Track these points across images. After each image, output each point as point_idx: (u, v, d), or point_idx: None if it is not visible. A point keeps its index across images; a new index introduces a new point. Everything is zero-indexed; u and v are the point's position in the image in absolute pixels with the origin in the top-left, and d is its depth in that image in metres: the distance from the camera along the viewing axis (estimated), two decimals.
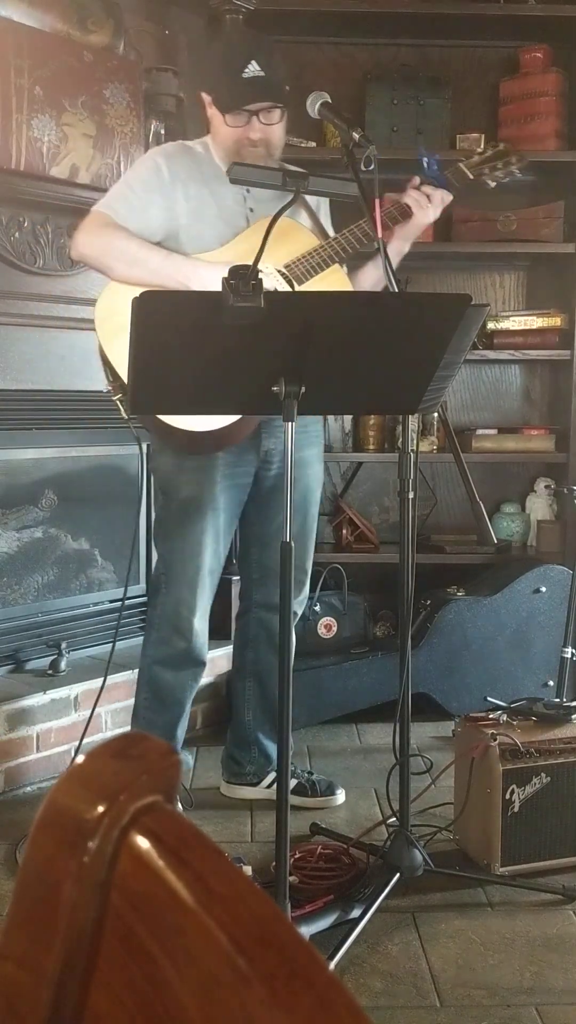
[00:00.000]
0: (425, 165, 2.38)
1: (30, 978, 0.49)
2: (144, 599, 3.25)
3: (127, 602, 3.11)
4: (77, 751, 2.60)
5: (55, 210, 2.78)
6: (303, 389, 1.79)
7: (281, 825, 1.82)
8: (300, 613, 2.69)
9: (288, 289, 2.26)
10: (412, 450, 2.15)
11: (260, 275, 2.21)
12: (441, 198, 2.35)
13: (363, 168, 2.08)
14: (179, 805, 2.53)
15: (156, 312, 1.70)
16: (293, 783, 2.63)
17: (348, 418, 3.63)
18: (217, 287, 1.70)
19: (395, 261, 2.40)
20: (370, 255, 2.37)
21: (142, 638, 3.23)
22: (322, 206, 2.47)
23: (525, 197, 3.61)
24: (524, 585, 3.30)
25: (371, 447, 3.65)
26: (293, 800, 2.59)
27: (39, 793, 2.70)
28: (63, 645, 2.90)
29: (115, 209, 2.27)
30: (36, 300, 2.80)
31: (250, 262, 2.22)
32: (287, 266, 2.27)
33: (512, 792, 2.26)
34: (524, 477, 3.86)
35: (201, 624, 2.46)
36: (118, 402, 2.22)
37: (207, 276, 2.15)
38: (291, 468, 1.83)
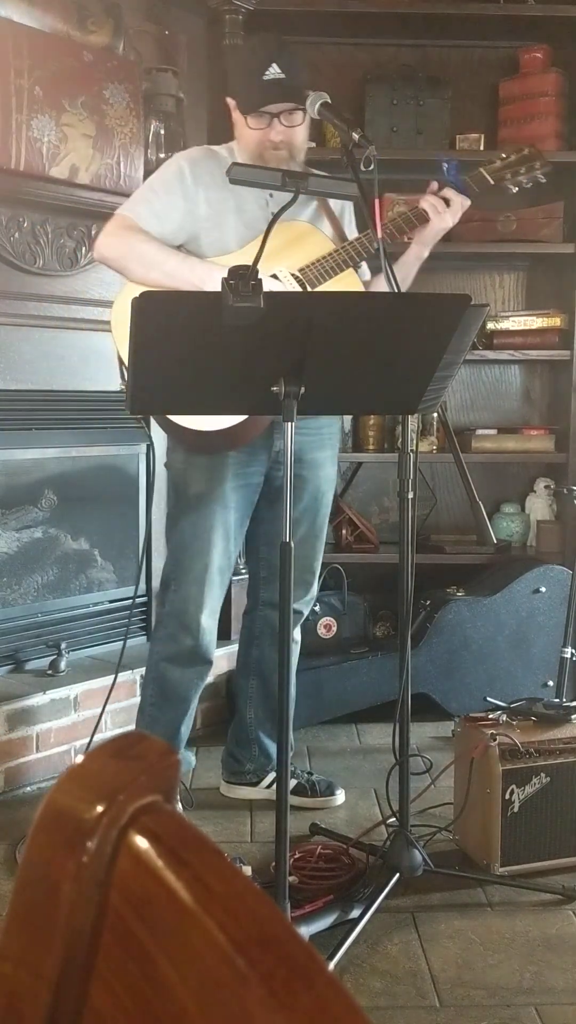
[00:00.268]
0: (444, 170, 2.36)
1: (29, 978, 0.49)
2: (144, 599, 3.25)
3: (126, 602, 3.11)
4: (87, 749, 2.59)
5: (55, 210, 2.78)
6: (303, 389, 1.79)
7: (281, 825, 1.82)
8: (306, 613, 2.69)
9: (308, 290, 2.27)
10: (412, 450, 2.15)
11: (275, 278, 2.24)
12: (460, 203, 2.34)
13: (363, 168, 2.08)
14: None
15: (156, 312, 1.71)
16: (293, 783, 2.63)
17: (348, 418, 3.63)
18: None
19: (414, 267, 2.41)
20: (395, 256, 2.38)
21: (142, 638, 3.25)
22: (346, 212, 2.48)
23: (525, 197, 3.59)
24: (524, 585, 3.30)
25: (371, 447, 3.65)
26: (293, 800, 2.59)
27: (39, 793, 2.70)
28: (63, 645, 2.90)
29: (138, 212, 2.30)
30: (36, 300, 2.80)
31: (268, 263, 2.24)
32: (301, 270, 2.29)
33: (512, 792, 2.26)
34: (524, 477, 3.86)
35: (209, 622, 2.46)
36: None
37: (220, 278, 2.16)
38: (291, 467, 1.83)
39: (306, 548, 2.51)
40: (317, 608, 3.33)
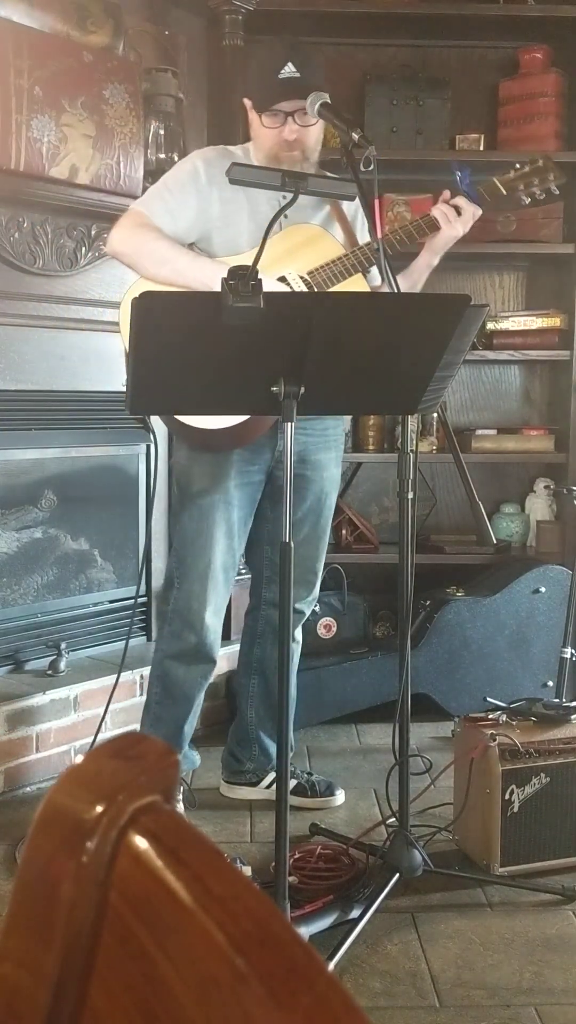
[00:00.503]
0: (457, 178, 2.36)
1: (29, 978, 0.49)
2: (144, 599, 3.25)
3: (126, 602, 3.11)
4: (92, 747, 2.59)
5: (55, 210, 2.78)
6: (302, 389, 1.79)
7: (280, 825, 1.82)
8: (308, 613, 2.70)
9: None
10: (412, 450, 2.15)
11: (283, 281, 2.24)
12: (472, 213, 2.34)
13: (362, 168, 2.08)
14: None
15: (155, 312, 1.71)
16: (292, 783, 2.63)
17: (348, 418, 3.62)
18: None
19: (424, 274, 2.42)
20: (414, 253, 2.40)
21: (142, 638, 3.25)
22: (358, 217, 2.48)
23: None
24: (523, 585, 3.30)
25: (371, 447, 3.65)
26: (292, 800, 2.59)
27: (38, 793, 2.70)
28: (63, 645, 2.90)
29: (152, 209, 2.32)
30: (36, 300, 2.80)
31: (277, 266, 2.24)
32: (310, 273, 2.29)
33: (511, 792, 2.26)
34: (523, 477, 3.86)
35: (213, 620, 2.46)
36: None
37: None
38: (290, 467, 1.83)
39: (309, 549, 2.51)
40: (317, 608, 3.32)
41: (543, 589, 3.30)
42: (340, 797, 2.69)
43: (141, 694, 2.97)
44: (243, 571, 3.34)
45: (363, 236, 2.48)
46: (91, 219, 2.83)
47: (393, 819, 2.24)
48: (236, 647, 2.81)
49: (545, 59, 3.53)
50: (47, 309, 2.83)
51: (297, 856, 2.25)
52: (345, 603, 3.43)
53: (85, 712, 2.80)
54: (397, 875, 2.12)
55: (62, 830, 0.48)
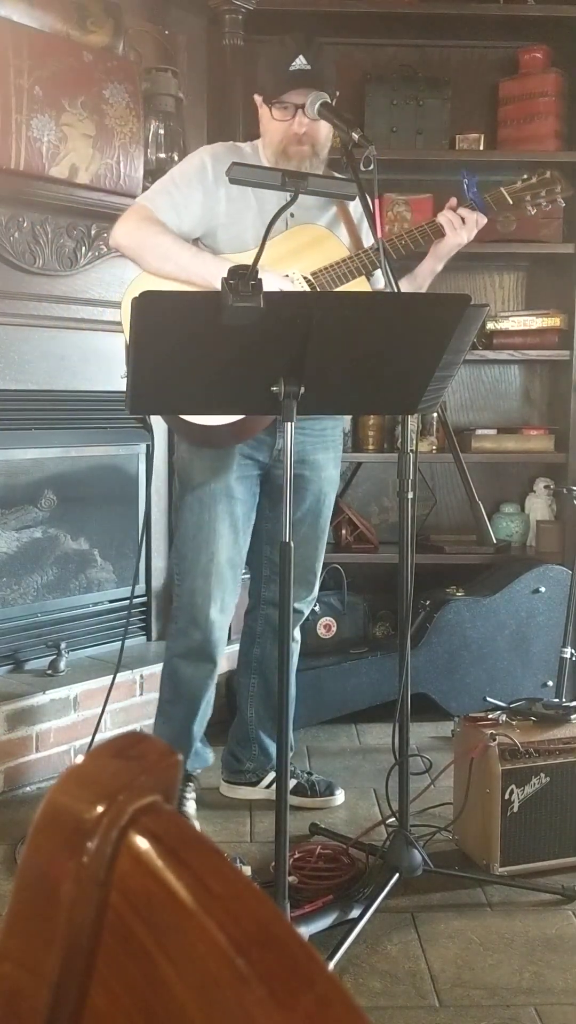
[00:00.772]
0: (465, 186, 2.37)
1: (29, 978, 0.49)
2: (144, 599, 3.25)
3: (126, 602, 3.11)
4: (89, 749, 2.59)
5: (55, 210, 2.78)
6: (303, 389, 1.79)
7: (280, 825, 1.82)
8: (307, 613, 2.69)
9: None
10: (411, 450, 2.15)
11: (286, 281, 2.24)
12: (476, 221, 2.35)
13: (362, 168, 2.08)
14: (192, 804, 2.51)
15: (155, 312, 1.70)
16: (292, 783, 2.62)
17: (348, 418, 3.62)
18: None
19: (428, 279, 2.42)
20: (418, 257, 2.41)
21: (142, 638, 3.25)
22: (364, 220, 2.48)
23: None
24: (523, 585, 3.31)
25: (371, 447, 3.65)
26: (292, 800, 2.58)
27: (38, 793, 2.70)
28: (62, 645, 2.90)
29: (157, 203, 2.32)
30: (36, 300, 2.80)
31: (281, 266, 2.24)
32: (314, 273, 2.29)
33: (511, 792, 2.26)
34: (523, 477, 3.86)
35: (219, 616, 2.44)
36: None
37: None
38: (290, 467, 1.83)
39: (308, 549, 2.51)
40: (317, 608, 3.33)
41: (543, 589, 3.30)
42: (340, 797, 2.69)
43: (141, 694, 2.97)
44: (243, 570, 3.34)
45: (368, 238, 2.48)
46: (91, 219, 2.83)
47: (393, 819, 2.24)
48: (236, 647, 2.81)
49: (545, 59, 3.53)
50: (47, 309, 2.83)
51: (297, 856, 2.25)
52: (345, 603, 3.43)
53: (85, 712, 2.80)
54: (397, 875, 2.12)
55: (63, 830, 0.48)
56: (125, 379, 2.22)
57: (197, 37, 3.27)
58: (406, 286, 2.39)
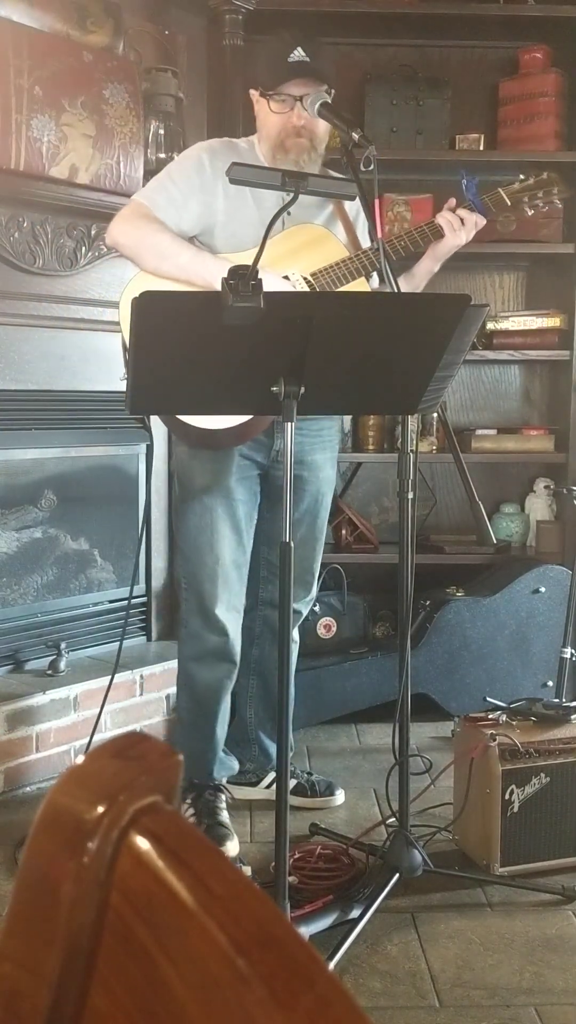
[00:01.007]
0: (464, 186, 2.37)
1: (30, 979, 0.49)
2: (144, 599, 3.25)
3: (126, 602, 3.11)
4: (87, 749, 2.59)
5: (55, 210, 2.78)
6: (303, 389, 1.79)
7: (280, 825, 1.82)
8: (305, 613, 2.68)
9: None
10: (412, 450, 2.15)
11: (287, 281, 2.23)
12: (475, 222, 2.35)
13: (362, 168, 2.08)
14: (225, 814, 2.47)
15: (156, 312, 1.70)
16: (292, 783, 2.62)
17: (348, 418, 3.63)
18: None
19: (424, 280, 2.42)
20: (417, 257, 2.40)
21: (141, 638, 3.25)
22: (360, 219, 2.48)
23: None
24: (523, 585, 3.31)
25: (371, 447, 3.65)
26: (292, 800, 2.57)
27: (39, 793, 2.70)
28: (63, 645, 2.90)
29: (154, 201, 2.29)
30: (36, 300, 2.80)
31: (280, 266, 2.23)
32: (313, 274, 2.28)
33: (511, 792, 2.26)
34: (523, 477, 3.86)
35: (229, 617, 2.42)
36: None
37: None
38: (290, 467, 1.83)
39: (306, 549, 2.50)
40: (317, 608, 3.33)
41: (543, 589, 3.30)
42: (340, 797, 2.69)
43: (141, 694, 2.97)
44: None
45: (364, 236, 2.48)
46: (91, 219, 2.83)
47: (393, 819, 2.24)
48: None
49: (545, 59, 3.53)
50: (47, 309, 2.83)
51: (297, 856, 2.25)
52: (345, 603, 3.43)
53: (85, 712, 2.80)
54: (397, 875, 2.12)
55: (63, 830, 0.48)
56: (125, 381, 2.22)
57: (197, 37, 3.27)
58: (403, 285, 2.38)
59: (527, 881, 2.24)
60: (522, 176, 2.46)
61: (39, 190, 2.70)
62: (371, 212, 2.14)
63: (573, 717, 2.36)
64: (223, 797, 2.51)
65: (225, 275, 2.14)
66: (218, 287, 2.16)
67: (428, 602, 3.33)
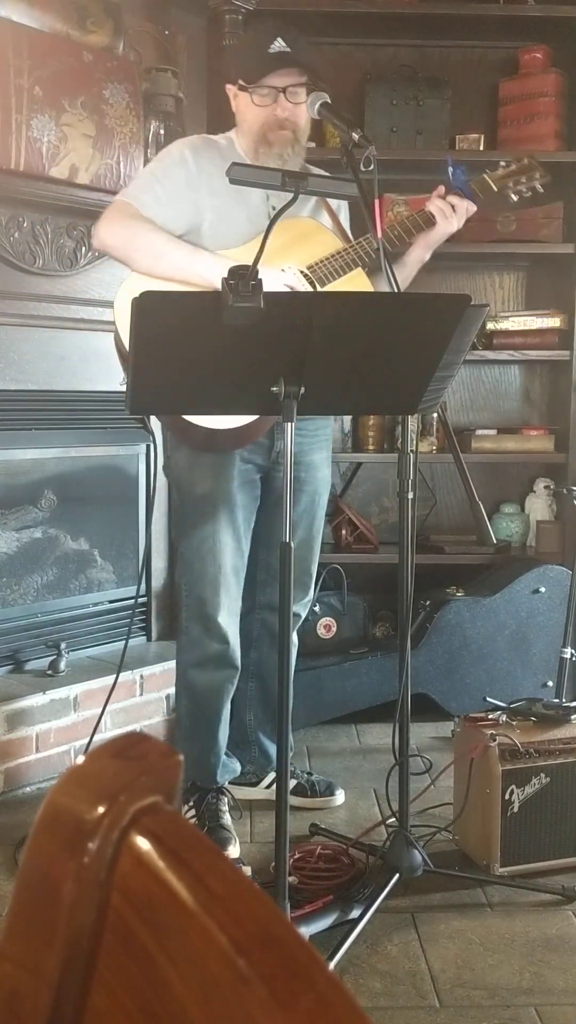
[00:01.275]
0: (451, 174, 2.37)
1: (30, 979, 0.49)
2: (144, 599, 3.25)
3: (126, 602, 3.11)
4: (87, 750, 2.59)
5: (55, 210, 2.78)
6: (303, 389, 1.79)
7: (280, 825, 1.82)
8: (304, 616, 2.67)
9: (310, 290, 2.26)
10: (412, 450, 2.15)
11: (283, 274, 2.23)
12: (466, 208, 2.35)
13: (362, 168, 2.07)
14: (228, 817, 2.47)
15: (156, 312, 1.70)
16: (292, 783, 2.62)
17: (348, 418, 3.63)
18: None
19: (415, 268, 2.41)
20: (394, 258, 2.38)
21: (142, 638, 3.25)
22: (342, 208, 2.47)
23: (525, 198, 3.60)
24: (523, 585, 3.31)
25: (371, 447, 3.65)
26: (292, 800, 2.57)
27: (38, 794, 2.70)
28: (62, 645, 2.90)
29: (141, 200, 2.24)
30: (35, 300, 2.80)
31: (275, 261, 2.23)
32: (310, 267, 2.27)
33: (511, 792, 2.26)
34: (523, 477, 3.86)
35: (230, 623, 2.41)
36: None
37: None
38: (290, 467, 1.83)
39: (304, 550, 2.50)
40: (317, 608, 3.33)
41: (543, 589, 3.30)
42: (340, 797, 2.69)
43: (141, 694, 2.97)
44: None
45: (347, 225, 2.48)
46: (91, 219, 2.81)
47: (393, 819, 2.24)
48: None
49: (545, 59, 3.53)
50: (47, 309, 2.83)
51: (297, 856, 2.25)
52: (345, 603, 3.43)
53: (85, 712, 2.80)
54: (397, 875, 2.12)
55: (63, 831, 0.48)
56: (124, 384, 2.20)
57: (197, 37, 3.27)
58: (397, 270, 2.38)
59: (527, 881, 2.24)
60: (503, 163, 2.48)
61: (39, 190, 2.70)
62: (371, 212, 2.14)
63: (573, 717, 2.36)
64: (225, 800, 2.50)
65: (221, 272, 2.14)
66: (215, 284, 2.16)
67: (428, 602, 3.33)
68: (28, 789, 2.71)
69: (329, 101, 2.22)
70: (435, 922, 2.11)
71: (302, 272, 2.27)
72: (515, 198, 2.48)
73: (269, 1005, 0.42)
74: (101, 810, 0.47)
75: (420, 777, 2.68)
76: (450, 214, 2.33)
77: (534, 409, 3.90)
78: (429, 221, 2.34)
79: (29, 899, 0.50)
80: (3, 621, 2.89)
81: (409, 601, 2.18)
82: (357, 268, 2.29)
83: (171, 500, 2.48)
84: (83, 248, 2.86)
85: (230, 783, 2.69)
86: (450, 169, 2.38)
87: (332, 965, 1.87)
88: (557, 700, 2.48)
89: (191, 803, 2.46)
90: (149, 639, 3.26)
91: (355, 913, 2.03)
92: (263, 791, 2.67)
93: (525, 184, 2.45)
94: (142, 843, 0.47)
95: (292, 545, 1.83)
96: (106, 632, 3.13)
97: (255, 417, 2.19)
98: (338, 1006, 0.43)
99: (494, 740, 2.26)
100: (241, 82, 2.28)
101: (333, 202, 2.44)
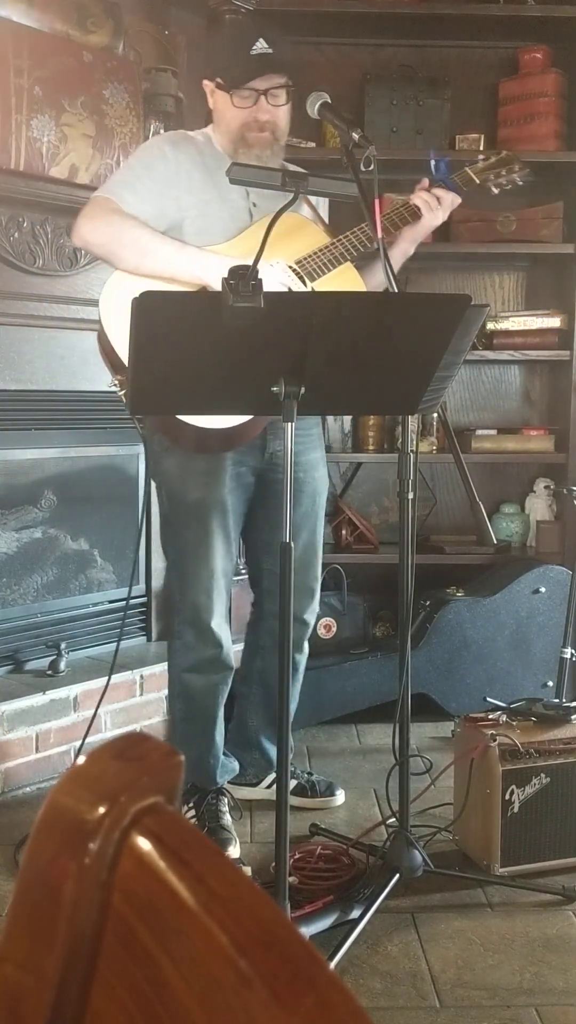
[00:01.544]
0: (433, 167, 2.37)
1: (31, 980, 0.49)
2: (144, 599, 3.25)
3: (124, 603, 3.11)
4: (79, 752, 2.59)
5: (55, 210, 2.77)
6: (303, 389, 1.79)
7: (281, 825, 1.82)
8: (312, 623, 2.61)
9: (301, 285, 2.25)
10: (412, 450, 2.15)
11: (272, 269, 2.22)
12: (451, 201, 2.34)
13: (363, 168, 2.07)
14: (228, 817, 2.47)
15: (156, 312, 1.70)
16: (293, 784, 2.62)
17: (348, 418, 3.62)
18: None
19: (399, 263, 2.39)
20: (369, 256, 2.37)
21: (142, 638, 3.25)
22: (321, 201, 2.46)
23: (524, 198, 3.60)
24: (523, 585, 3.30)
25: (371, 447, 3.65)
26: (293, 800, 2.57)
27: (38, 794, 2.70)
28: (62, 645, 2.90)
29: (120, 196, 2.19)
30: (36, 300, 2.80)
31: (264, 256, 2.21)
32: (298, 262, 2.25)
33: (512, 793, 2.26)
34: (523, 477, 3.86)
35: (222, 626, 2.41)
36: (124, 398, 2.18)
37: (220, 272, 2.11)
38: (290, 468, 1.82)
39: (308, 555, 2.47)
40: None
41: (543, 589, 3.30)
42: (340, 797, 2.69)
43: (141, 694, 2.97)
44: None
45: (325, 216, 2.47)
46: None
47: (393, 819, 2.24)
48: (236, 646, 2.80)
49: (545, 59, 3.53)
50: (47, 309, 2.83)
51: (297, 856, 2.25)
52: (345, 603, 3.43)
53: (85, 712, 2.79)
54: (397, 875, 2.12)
55: (64, 831, 0.48)
56: (114, 386, 2.19)
57: (197, 37, 3.27)
58: (376, 270, 2.37)
59: (527, 881, 2.24)
60: (482, 155, 2.52)
61: (39, 190, 2.70)
62: (371, 212, 2.14)
63: (573, 717, 2.36)
64: (225, 801, 2.50)
65: (212, 270, 2.13)
66: (206, 282, 2.15)
67: (428, 602, 3.33)
68: (28, 789, 2.71)
69: (329, 101, 2.22)
70: (435, 922, 2.11)
71: (291, 267, 2.25)
72: (495, 191, 2.50)
73: (270, 1005, 0.42)
74: (102, 810, 0.47)
75: (420, 777, 2.68)
76: (435, 206, 2.32)
77: (534, 409, 3.90)
78: (415, 214, 2.33)
79: (30, 899, 0.49)
80: (3, 621, 2.89)
81: (409, 601, 2.18)
82: (347, 263, 2.28)
83: (160, 505, 2.44)
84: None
85: (230, 783, 2.69)
86: (433, 162, 2.38)
87: (332, 965, 1.87)
88: (557, 700, 2.47)
89: (191, 804, 2.46)
90: (149, 639, 3.26)
91: (355, 913, 2.03)
92: (263, 791, 2.67)
93: (505, 177, 2.47)
94: (143, 843, 0.47)
95: (292, 545, 1.82)
96: (106, 632, 3.13)
97: (248, 418, 2.17)
98: (339, 1006, 0.43)
99: (494, 740, 2.26)
100: (219, 80, 2.25)
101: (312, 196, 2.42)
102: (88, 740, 2.62)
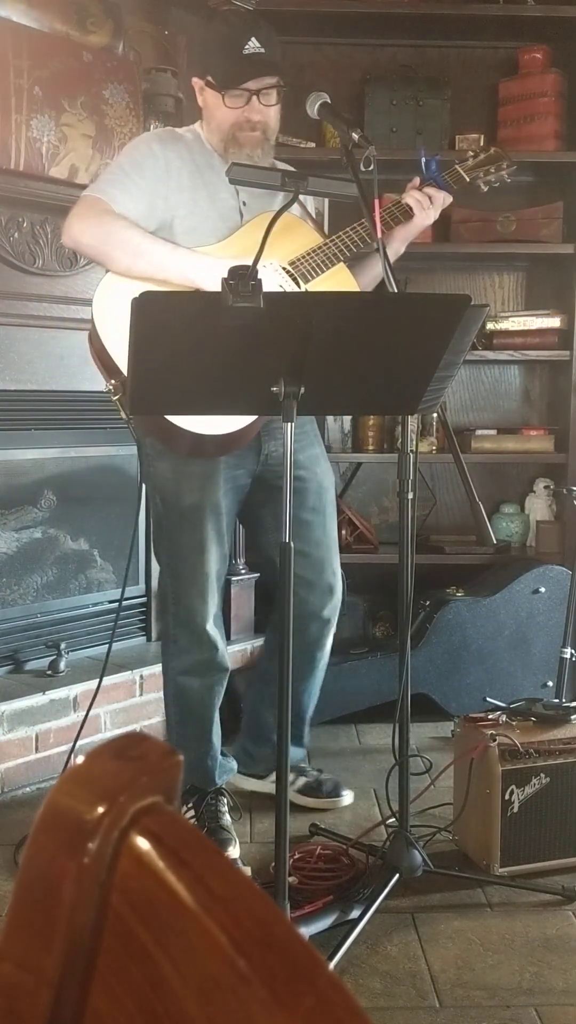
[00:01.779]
0: (424, 166, 2.38)
1: (30, 979, 0.49)
2: (143, 599, 3.25)
3: (126, 602, 3.11)
4: (72, 752, 2.59)
5: (54, 210, 2.77)
6: (303, 389, 1.79)
7: (280, 825, 1.82)
8: (335, 622, 2.59)
9: (294, 286, 2.24)
10: (411, 450, 2.15)
11: (265, 271, 2.21)
12: (443, 199, 2.35)
13: (362, 168, 2.07)
14: (228, 817, 2.46)
15: (155, 312, 1.70)
16: (303, 781, 2.62)
17: (347, 418, 3.63)
18: None
19: (392, 260, 2.39)
20: (362, 256, 2.36)
21: (141, 638, 3.25)
22: (309, 199, 2.46)
23: (524, 198, 3.61)
24: (523, 585, 3.30)
25: (370, 447, 3.65)
26: (301, 799, 2.57)
27: (38, 794, 2.70)
28: (62, 645, 2.90)
29: (111, 195, 2.16)
30: (35, 300, 2.80)
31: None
32: (292, 263, 2.24)
33: (511, 793, 2.26)
34: (523, 478, 3.86)
35: (215, 628, 2.40)
36: (118, 403, 2.18)
37: (218, 272, 2.10)
38: (290, 468, 1.82)
39: (322, 551, 2.46)
40: None
41: (543, 589, 3.30)
42: (348, 797, 2.67)
43: (141, 694, 2.97)
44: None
45: (312, 212, 2.47)
46: None
47: (393, 819, 2.24)
48: (237, 646, 2.80)
49: (545, 59, 3.53)
50: (47, 309, 2.83)
51: (297, 856, 2.25)
52: (345, 603, 3.42)
53: (84, 712, 2.79)
54: (397, 875, 2.12)
55: (63, 831, 0.48)
56: (108, 390, 2.19)
57: (197, 37, 3.27)
58: (368, 269, 2.37)
59: (527, 881, 2.24)
60: (471, 152, 2.52)
61: (39, 190, 2.70)
62: (371, 212, 2.14)
63: (573, 717, 2.36)
64: (225, 801, 2.49)
65: (205, 272, 2.12)
66: (199, 283, 2.14)
67: (428, 602, 3.33)
68: (28, 789, 2.71)
69: (328, 101, 2.21)
70: (435, 922, 2.11)
71: (284, 268, 2.24)
72: (484, 188, 2.51)
73: (270, 1005, 0.42)
74: (101, 810, 0.47)
75: (420, 777, 2.68)
76: (427, 205, 2.33)
77: (534, 409, 3.90)
78: (407, 213, 2.33)
79: (29, 899, 0.49)
80: (3, 621, 2.89)
81: (409, 601, 2.18)
82: (339, 263, 2.27)
83: (152, 509, 2.42)
84: None
85: (237, 773, 2.66)
86: (423, 161, 2.39)
87: (332, 965, 1.87)
88: (557, 700, 2.48)
89: (190, 804, 2.46)
90: (148, 639, 3.26)
91: (355, 913, 2.03)
92: (270, 784, 2.66)
93: (494, 174, 2.48)
94: (142, 843, 0.47)
95: (292, 545, 1.82)
96: (106, 632, 3.12)
97: (243, 423, 2.16)
98: (339, 1006, 0.43)
99: (494, 740, 2.26)
100: (210, 79, 2.23)
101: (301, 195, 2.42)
102: (88, 740, 2.62)
